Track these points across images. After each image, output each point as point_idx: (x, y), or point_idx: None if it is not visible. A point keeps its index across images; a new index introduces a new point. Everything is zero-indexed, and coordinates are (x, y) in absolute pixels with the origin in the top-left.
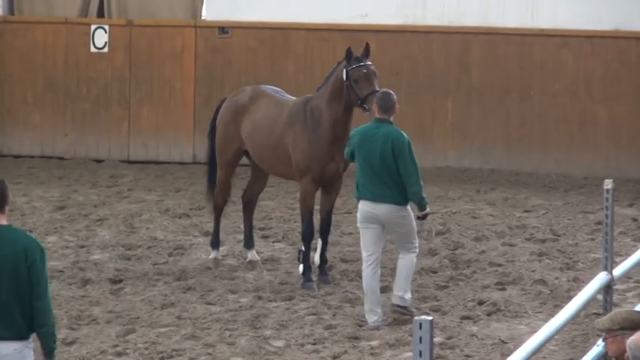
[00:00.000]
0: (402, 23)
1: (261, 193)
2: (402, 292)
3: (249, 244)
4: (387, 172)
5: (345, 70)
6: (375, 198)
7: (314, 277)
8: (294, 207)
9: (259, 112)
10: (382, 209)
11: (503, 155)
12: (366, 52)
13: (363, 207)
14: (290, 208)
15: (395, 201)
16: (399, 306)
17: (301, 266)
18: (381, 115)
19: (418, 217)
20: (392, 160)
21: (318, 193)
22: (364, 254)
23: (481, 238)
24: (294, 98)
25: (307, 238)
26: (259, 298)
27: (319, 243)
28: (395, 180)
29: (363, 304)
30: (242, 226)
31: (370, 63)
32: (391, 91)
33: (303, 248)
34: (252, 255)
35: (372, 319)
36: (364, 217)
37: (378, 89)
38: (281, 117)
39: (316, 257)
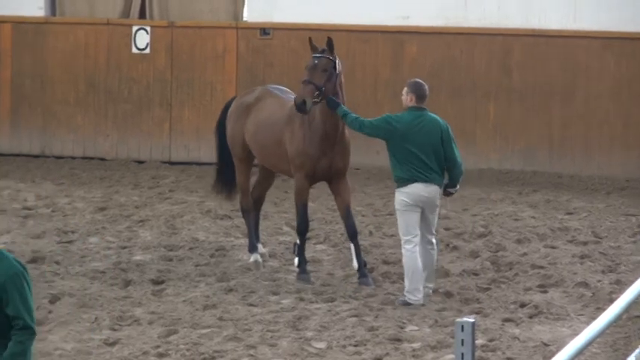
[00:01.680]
0: (443, 25)
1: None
2: (433, 283)
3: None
4: (435, 157)
5: None
6: (427, 180)
7: (309, 269)
8: (335, 208)
9: (263, 111)
10: (432, 191)
11: (546, 157)
12: (328, 46)
13: (416, 190)
14: (331, 210)
15: (439, 183)
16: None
17: (296, 259)
18: (418, 103)
19: (451, 193)
20: (440, 146)
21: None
22: (408, 236)
23: (523, 241)
24: None
25: (302, 231)
26: (301, 299)
27: (352, 247)
28: (439, 164)
29: (404, 305)
30: (284, 228)
31: (325, 55)
32: (421, 80)
33: (298, 241)
34: (259, 247)
35: (417, 296)
36: (415, 200)
37: (308, 79)
38: (283, 115)
39: (354, 262)
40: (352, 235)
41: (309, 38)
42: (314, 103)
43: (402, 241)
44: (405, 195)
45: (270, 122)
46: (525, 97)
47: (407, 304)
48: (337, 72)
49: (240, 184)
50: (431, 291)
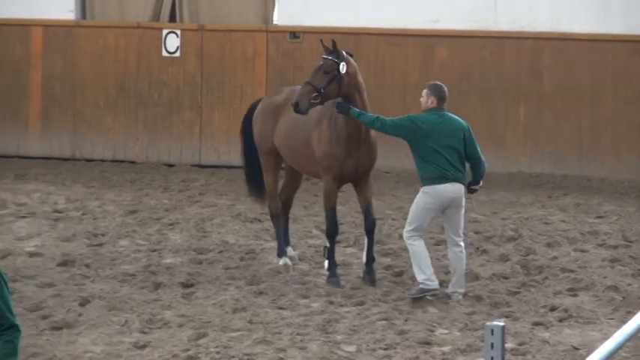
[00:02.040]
0: (473, 28)
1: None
2: (464, 288)
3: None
4: (457, 156)
5: None
6: (453, 179)
7: (339, 272)
8: None
9: (293, 113)
10: (458, 190)
11: (575, 161)
12: (333, 48)
13: (442, 189)
14: (361, 213)
15: (463, 181)
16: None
17: (326, 262)
18: (440, 105)
19: (475, 190)
20: (461, 144)
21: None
22: (416, 233)
23: (553, 244)
24: None
25: (331, 234)
26: (331, 302)
27: (366, 240)
28: (462, 162)
29: (435, 308)
30: (313, 231)
31: (331, 58)
32: (440, 82)
33: (327, 245)
34: (288, 250)
35: (433, 281)
36: (440, 201)
37: (310, 80)
38: (311, 117)
39: (363, 255)
40: (369, 228)
41: (321, 40)
42: (312, 104)
43: (407, 235)
44: (430, 197)
45: (299, 124)
46: (555, 101)
47: (423, 293)
48: (341, 74)
49: (269, 188)
50: (461, 296)
